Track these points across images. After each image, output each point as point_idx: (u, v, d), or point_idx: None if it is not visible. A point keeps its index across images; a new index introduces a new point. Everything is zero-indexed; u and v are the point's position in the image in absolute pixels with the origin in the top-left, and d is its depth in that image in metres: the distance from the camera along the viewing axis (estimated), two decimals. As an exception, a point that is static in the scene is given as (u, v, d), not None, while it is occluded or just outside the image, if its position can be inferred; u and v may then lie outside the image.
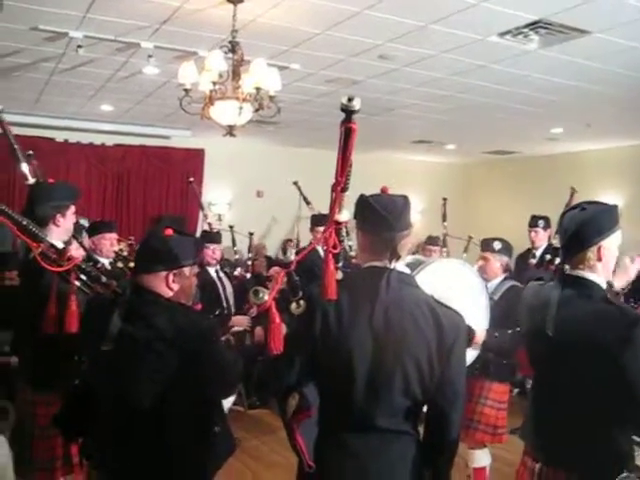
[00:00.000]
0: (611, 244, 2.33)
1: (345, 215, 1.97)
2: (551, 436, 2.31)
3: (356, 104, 1.76)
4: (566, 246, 2.38)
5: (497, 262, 4.40)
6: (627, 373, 2.11)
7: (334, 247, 1.87)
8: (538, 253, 5.93)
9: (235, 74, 4.47)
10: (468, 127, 9.39)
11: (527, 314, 2.53)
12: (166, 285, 2.38)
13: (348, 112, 1.77)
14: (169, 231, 2.42)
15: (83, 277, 2.73)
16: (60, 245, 2.89)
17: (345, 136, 1.80)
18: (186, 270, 2.43)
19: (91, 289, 2.78)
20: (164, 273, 2.37)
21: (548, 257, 5.67)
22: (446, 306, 2.04)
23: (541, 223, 5.90)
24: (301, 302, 1.94)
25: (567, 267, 2.39)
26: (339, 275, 1.97)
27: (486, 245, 4.47)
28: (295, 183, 7.06)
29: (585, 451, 2.22)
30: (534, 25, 4.95)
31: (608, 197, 9.55)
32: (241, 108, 4.38)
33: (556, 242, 5.98)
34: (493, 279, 4.38)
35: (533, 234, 5.92)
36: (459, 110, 8.12)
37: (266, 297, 1.74)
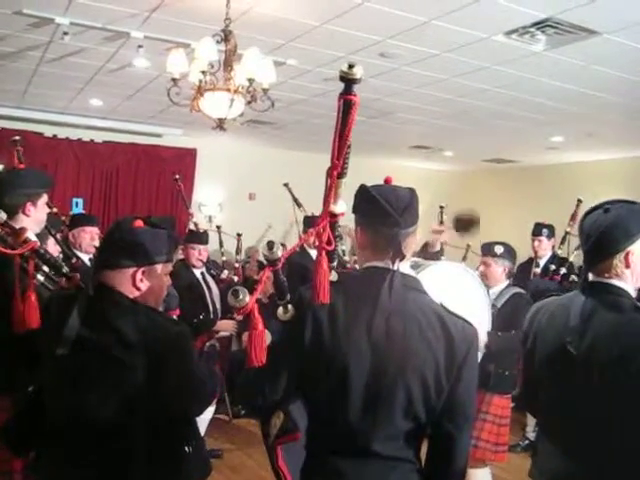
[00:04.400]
0: None
1: (341, 206, 1.70)
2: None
3: (357, 72, 1.52)
4: (589, 253, 2.10)
5: (499, 267, 4.17)
6: None
7: (328, 243, 1.61)
8: (542, 262, 5.70)
9: (227, 64, 4.22)
10: (468, 133, 9.18)
11: (540, 333, 2.22)
12: (133, 284, 2.08)
13: (348, 82, 1.53)
14: (139, 222, 2.12)
15: (45, 268, 2.43)
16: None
17: (344, 110, 1.55)
18: (157, 268, 2.13)
19: (56, 283, 2.48)
20: (131, 270, 2.08)
21: (553, 267, 5.45)
22: (457, 315, 1.78)
23: (545, 232, 5.67)
24: (289, 306, 1.66)
25: (590, 275, 2.12)
26: (333, 276, 1.71)
27: (487, 249, 4.24)
28: (286, 185, 6.83)
29: None
30: (542, 24, 4.74)
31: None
32: (232, 100, 4.13)
33: (561, 252, 5.78)
34: (495, 285, 4.15)
35: (537, 243, 5.69)
36: (459, 114, 7.91)
37: (247, 299, 1.47)
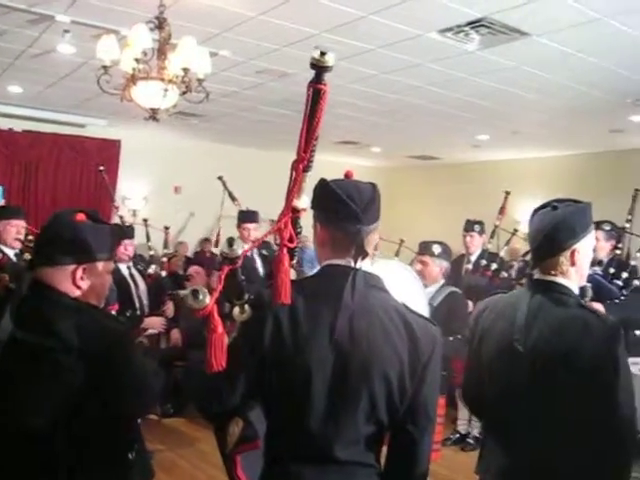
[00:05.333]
0: (585, 247, 2.10)
1: (305, 201, 1.63)
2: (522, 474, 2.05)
3: (329, 60, 1.44)
4: (537, 250, 2.12)
5: (436, 267, 4.20)
6: (609, 389, 1.89)
7: (290, 240, 1.53)
8: (473, 258, 5.77)
9: (161, 53, 4.07)
10: (396, 129, 9.25)
11: (487, 331, 2.21)
12: (72, 282, 1.94)
13: (319, 69, 1.45)
14: (81, 216, 1.97)
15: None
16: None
17: (313, 100, 1.48)
18: (99, 265, 1.99)
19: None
20: (71, 267, 1.93)
21: (484, 262, 5.53)
22: (419, 314, 1.73)
23: (477, 228, 5.75)
24: (246, 307, 1.57)
25: (536, 272, 2.14)
26: (294, 275, 1.63)
27: (425, 248, 4.25)
28: (220, 178, 6.70)
29: None
30: (476, 24, 4.80)
31: (528, 206, 9.63)
32: (166, 90, 3.99)
33: (491, 247, 5.88)
34: (432, 284, 4.16)
35: (468, 239, 5.75)
36: (389, 111, 7.95)
37: (207, 300, 1.37)
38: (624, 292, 4.12)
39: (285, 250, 1.52)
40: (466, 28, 4.91)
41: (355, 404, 1.61)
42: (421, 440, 1.70)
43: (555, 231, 2.05)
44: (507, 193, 5.87)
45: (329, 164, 12.20)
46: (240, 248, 1.45)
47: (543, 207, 2.15)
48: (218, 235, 9.13)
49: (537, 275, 2.14)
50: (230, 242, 1.44)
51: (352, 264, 1.64)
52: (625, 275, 4.24)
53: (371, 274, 1.70)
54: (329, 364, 1.60)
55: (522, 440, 2.06)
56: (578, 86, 6.29)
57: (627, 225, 4.45)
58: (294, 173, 1.53)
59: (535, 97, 6.81)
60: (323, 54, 1.43)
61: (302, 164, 1.51)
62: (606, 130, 8.38)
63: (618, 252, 4.28)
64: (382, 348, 1.61)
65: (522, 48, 5.23)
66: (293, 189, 1.52)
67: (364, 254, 1.64)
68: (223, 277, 1.44)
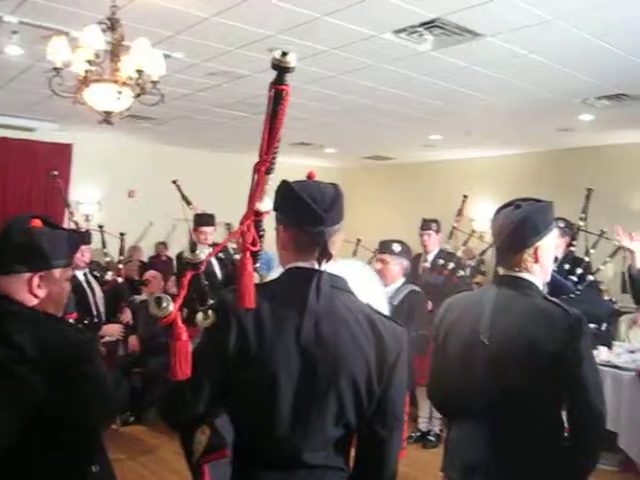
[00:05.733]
0: (548, 245, 2.13)
1: (267, 204, 1.61)
2: (485, 464, 2.07)
3: (291, 60, 1.42)
4: (501, 247, 2.15)
5: (396, 265, 4.21)
6: (574, 378, 1.92)
7: (253, 243, 1.51)
8: (430, 257, 5.81)
9: (114, 54, 3.99)
10: (350, 130, 9.29)
11: (453, 328, 2.23)
12: (29, 291, 1.87)
13: (281, 70, 1.43)
14: (37, 222, 1.91)
15: None
16: None
17: (275, 101, 1.45)
18: (57, 273, 1.93)
19: None
20: (27, 275, 1.87)
21: (441, 262, 5.57)
22: (385, 315, 1.72)
23: (433, 226, 5.79)
24: (209, 312, 1.54)
25: (500, 269, 2.17)
26: (257, 279, 1.61)
27: (385, 247, 4.26)
28: (174, 182, 6.61)
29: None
30: (430, 24, 4.84)
31: (482, 205, 9.79)
32: (120, 93, 3.92)
33: (448, 247, 5.93)
34: (392, 283, 4.18)
35: (425, 237, 5.79)
36: (344, 112, 7.97)
37: (171, 307, 1.34)
38: (579, 287, 4.21)
39: (248, 254, 1.49)
40: (420, 29, 4.95)
41: (323, 408, 1.59)
42: (390, 441, 1.69)
43: (518, 229, 2.08)
44: (465, 197, 5.93)
45: (282, 165, 12.22)
46: (203, 253, 1.42)
47: (506, 206, 2.19)
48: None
49: (502, 271, 2.17)
50: (193, 247, 1.41)
51: (316, 266, 1.63)
52: (579, 271, 4.32)
53: (336, 276, 1.68)
54: (296, 368, 1.58)
55: (486, 434, 2.08)
56: (528, 86, 6.41)
57: (581, 223, 4.54)
58: (256, 176, 1.50)
59: (486, 97, 6.91)
60: (285, 54, 1.41)
61: (264, 166, 1.49)
62: (555, 129, 8.54)
63: (572, 249, 4.36)
64: (349, 351, 1.60)
65: (475, 49, 5.30)
66: (256, 192, 1.50)
67: (328, 256, 1.62)
68: (186, 283, 1.40)
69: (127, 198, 10.56)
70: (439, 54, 5.52)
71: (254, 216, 1.52)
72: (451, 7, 4.48)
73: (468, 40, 5.12)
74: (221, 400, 1.61)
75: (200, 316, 1.54)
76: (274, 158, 1.50)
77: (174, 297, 1.38)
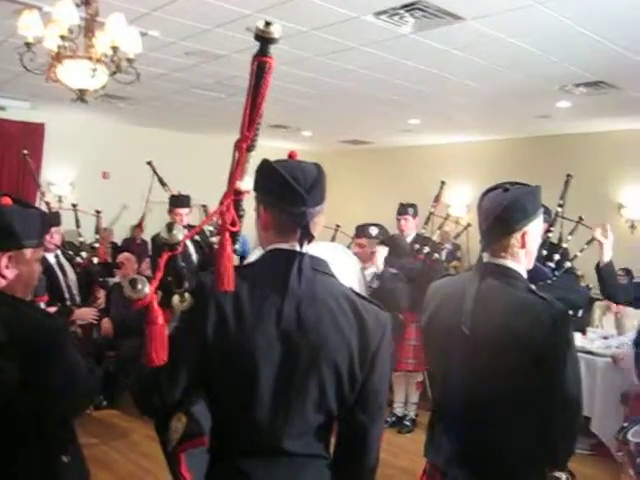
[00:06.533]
0: (535, 229, 2.08)
1: (248, 183, 1.55)
2: (466, 455, 2.04)
3: (275, 31, 1.36)
4: (488, 230, 2.08)
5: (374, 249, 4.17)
6: (556, 373, 1.89)
7: (232, 224, 1.45)
8: (407, 241, 5.77)
9: (88, 30, 3.88)
10: (328, 113, 9.22)
11: (436, 314, 2.19)
12: None
13: (264, 41, 1.37)
14: (6, 199, 1.84)
15: None
16: None
17: (258, 74, 1.39)
18: (27, 252, 1.86)
19: None
20: None
21: (417, 246, 5.55)
22: (368, 299, 1.67)
23: (410, 211, 5.75)
24: (186, 295, 1.48)
25: (485, 255, 2.11)
26: (236, 260, 1.55)
27: (362, 231, 4.23)
28: (149, 163, 6.48)
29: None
30: (411, 6, 4.78)
31: (459, 190, 9.81)
32: (94, 70, 3.81)
33: (425, 231, 5.91)
34: (370, 267, 4.14)
35: (402, 222, 5.75)
36: (322, 94, 7.90)
37: (146, 289, 1.28)
38: (556, 274, 4.21)
39: (228, 234, 1.43)
40: (401, 11, 4.90)
41: (304, 394, 1.55)
42: (372, 428, 1.66)
43: (507, 212, 2.02)
44: (443, 183, 5.91)
45: (259, 148, 12.19)
46: (180, 233, 1.36)
47: (493, 189, 2.13)
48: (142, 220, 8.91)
49: (487, 258, 2.11)
50: (170, 227, 1.35)
51: (297, 248, 1.58)
52: (557, 257, 4.32)
53: (317, 258, 1.63)
54: (276, 353, 1.53)
55: (470, 424, 2.05)
56: (508, 71, 6.39)
57: (559, 209, 4.53)
58: (237, 153, 1.44)
59: (465, 81, 6.87)
60: (268, 24, 1.35)
61: (245, 143, 1.43)
62: (534, 116, 8.55)
63: (550, 235, 4.36)
64: (331, 335, 1.56)
65: (455, 32, 5.26)
66: (236, 170, 1.43)
67: (310, 237, 1.57)
68: (162, 264, 1.34)
69: (101, 179, 10.41)
70: (420, 37, 5.47)
71: (234, 195, 1.46)
72: (432, -12, 4.43)
73: (449, 23, 5.08)
74: (198, 386, 1.56)
75: (176, 299, 1.48)
76: (256, 135, 1.44)
77: (150, 279, 1.32)
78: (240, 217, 1.55)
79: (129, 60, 4.00)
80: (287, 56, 6.12)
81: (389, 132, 10.63)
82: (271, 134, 10.93)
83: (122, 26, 3.85)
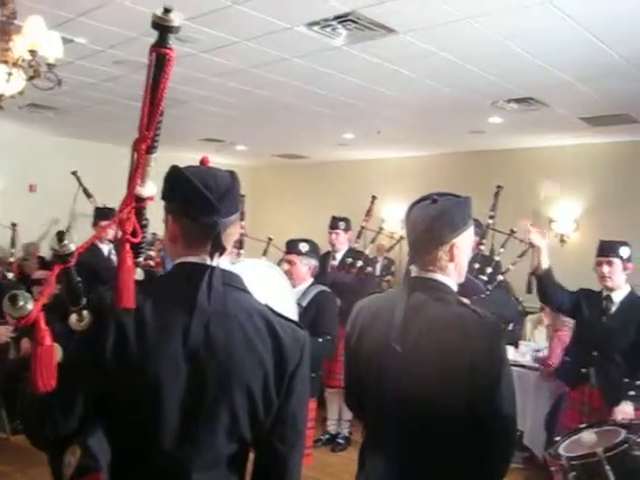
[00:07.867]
0: (464, 242, 2.00)
1: (151, 189, 1.42)
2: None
3: (175, 18, 1.24)
4: (416, 243, 1.99)
5: (304, 265, 4.08)
6: (490, 388, 1.81)
7: (133, 234, 1.32)
8: (339, 256, 5.71)
9: (4, 33, 3.68)
10: (262, 127, 9.11)
11: (365, 332, 2.07)
12: None
13: (163, 29, 1.25)
14: None
15: None
16: None
17: (157, 67, 1.27)
18: None
19: None
20: None
21: (350, 260, 5.49)
22: (285, 317, 1.56)
23: (342, 225, 5.69)
24: (84, 313, 1.33)
25: (413, 268, 2.02)
26: (139, 274, 1.41)
27: (292, 247, 4.12)
28: (74, 173, 6.25)
29: None
30: (344, 18, 4.74)
31: (393, 205, 9.83)
32: (10, 74, 3.61)
33: (358, 246, 5.85)
34: (300, 284, 4.04)
35: (334, 236, 5.69)
36: (255, 107, 7.78)
37: (29, 306, 1.14)
38: (489, 287, 4.19)
39: (128, 246, 1.30)
40: (334, 22, 4.84)
41: (214, 421, 1.42)
42: (290, 456, 1.53)
43: (435, 224, 1.93)
44: (374, 198, 5.91)
45: (191, 162, 12.03)
46: (73, 244, 1.22)
47: (422, 200, 2.03)
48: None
49: (415, 272, 2.01)
50: (60, 236, 1.21)
51: (208, 261, 1.45)
52: (489, 270, 4.31)
53: (230, 272, 1.50)
54: (183, 376, 1.40)
55: (402, 446, 1.94)
56: (441, 86, 6.41)
57: (490, 221, 4.54)
58: (136, 155, 1.32)
59: (398, 95, 6.86)
60: (167, 11, 1.23)
61: (145, 144, 1.30)
62: (467, 131, 8.63)
63: (482, 248, 4.35)
64: (243, 357, 1.43)
65: (388, 45, 5.23)
66: (135, 174, 1.31)
67: (222, 250, 1.44)
68: (52, 278, 1.20)
69: (28, 192, 10.07)
70: (352, 50, 5.43)
71: (136, 202, 1.33)
72: (366, 1, 4.38)
73: (382, 36, 5.05)
74: (96, 415, 1.41)
75: (74, 318, 1.34)
76: (157, 135, 1.32)
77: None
78: (143, 227, 1.42)
79: (49, 65, 3.81)
80: (218, 67, 6.01)
81: (325, 146, 10.58)
82: (203, 148, 10.71)
83: (41, 29, 3.66)
